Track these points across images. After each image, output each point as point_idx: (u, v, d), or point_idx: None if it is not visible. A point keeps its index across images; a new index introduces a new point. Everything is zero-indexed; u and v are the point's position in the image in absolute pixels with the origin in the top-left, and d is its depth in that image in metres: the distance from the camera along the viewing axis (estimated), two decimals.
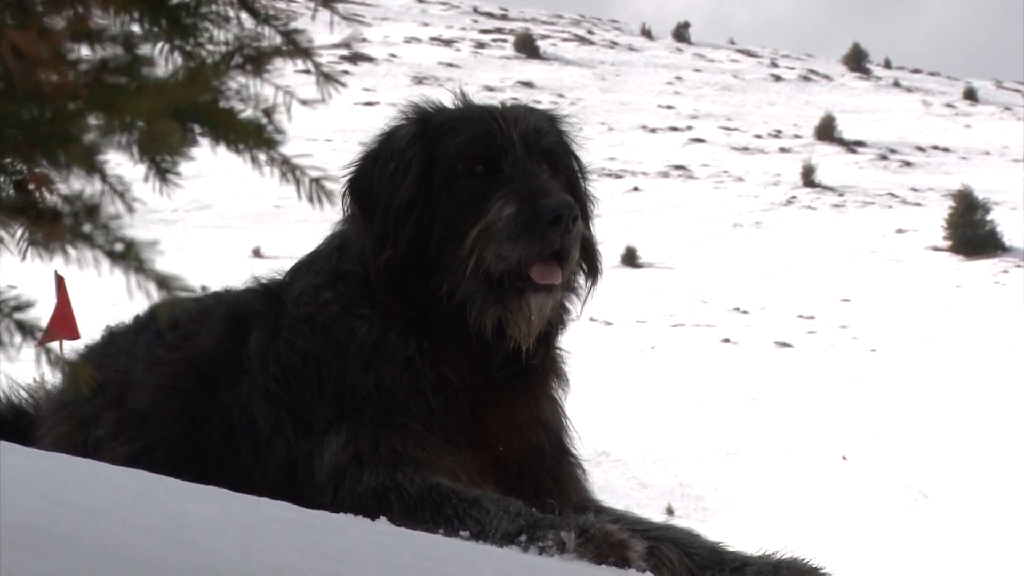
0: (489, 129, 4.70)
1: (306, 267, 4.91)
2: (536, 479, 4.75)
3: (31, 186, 1.81)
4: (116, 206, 1.80)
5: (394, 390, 4.59)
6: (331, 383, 4.61)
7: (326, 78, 1.73)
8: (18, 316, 1.87)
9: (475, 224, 4.56)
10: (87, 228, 1.82)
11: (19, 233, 1.90)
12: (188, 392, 4.82)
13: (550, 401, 4.89)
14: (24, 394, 5.73)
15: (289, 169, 1.76)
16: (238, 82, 1.74)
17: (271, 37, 1.76)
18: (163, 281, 1.80)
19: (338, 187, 1.83)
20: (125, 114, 1.67)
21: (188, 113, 1.70)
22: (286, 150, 1.78)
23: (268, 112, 1.73)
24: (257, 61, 1.70)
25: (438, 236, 4.61)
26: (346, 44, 1.80)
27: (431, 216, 4.62)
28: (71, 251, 1.84)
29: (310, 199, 1.79)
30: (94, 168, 1.72)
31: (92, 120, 1.71)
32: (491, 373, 4.68)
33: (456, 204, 4.62)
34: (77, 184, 1.82)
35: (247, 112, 1.76)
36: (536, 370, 4.79)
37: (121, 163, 1.90)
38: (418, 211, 4.62)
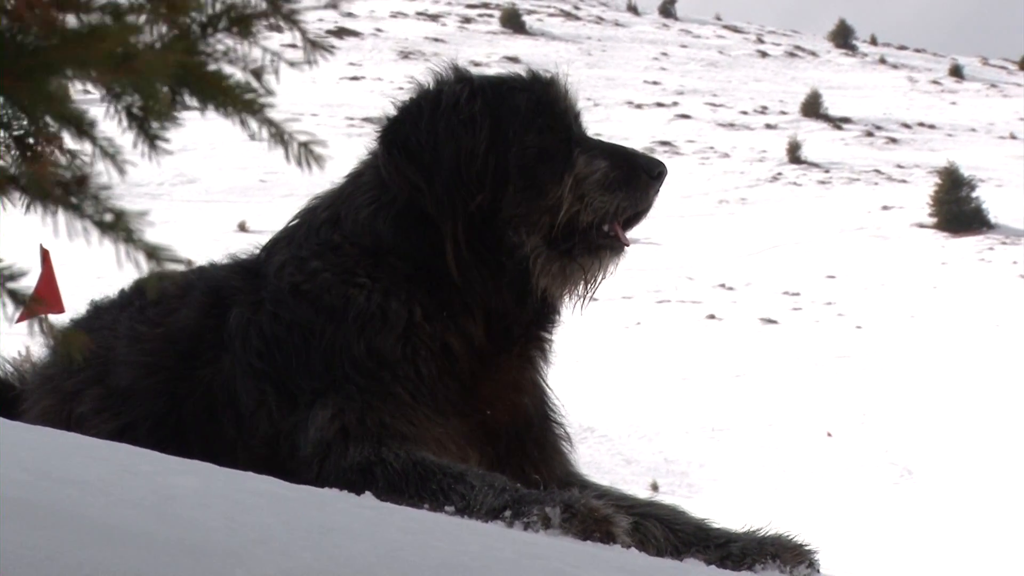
0: (554, 91, 4.85)
1: (285, 241, 4.88)
2: (522, 448, 4.75)
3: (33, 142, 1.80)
4: (107, 173, 1.79)
5: (387, 357, 4.58)
6: (319, 352, 4.59)
7: (313, 45, 1.73)
8: (11, 285, 1.86)
9: (561, 175, 4.68)
10: (76, 199, 1.80)
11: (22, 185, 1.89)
12: (169, 368, 4.80)
13: (536, 366, 4.91)
14: (9, 367, 5.72)
15: (277, 132, 1.75)
16: (225, 44, 1.74)
17: (256, 4, 1.75)
18: (152, 251, 1.79)
19: (327, 151, 1.81)
20: (107, 45, 1.65)
21: (177, 76, 1.68)
22: (274, 114, 1.77)
23: (256, 73, 1.72)
24: (243, 23, 1.69)
25: (515, 185, 4.66)
26: (332, 5, 1.79)
27: (506, 167, 4.67)
28: (62, 220, 1.83)
29: (298, 162, 1.79)
30: (72, 115, 1.70)
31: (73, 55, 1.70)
32: (512, 333, 4.73)
33: (529, 156, 4.70)
34: (69, 142, 1.81)
35: (235, 75, 1.76)
36: (542, 334, 4.88)
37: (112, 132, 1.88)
38: (494, 162, 4.66)
